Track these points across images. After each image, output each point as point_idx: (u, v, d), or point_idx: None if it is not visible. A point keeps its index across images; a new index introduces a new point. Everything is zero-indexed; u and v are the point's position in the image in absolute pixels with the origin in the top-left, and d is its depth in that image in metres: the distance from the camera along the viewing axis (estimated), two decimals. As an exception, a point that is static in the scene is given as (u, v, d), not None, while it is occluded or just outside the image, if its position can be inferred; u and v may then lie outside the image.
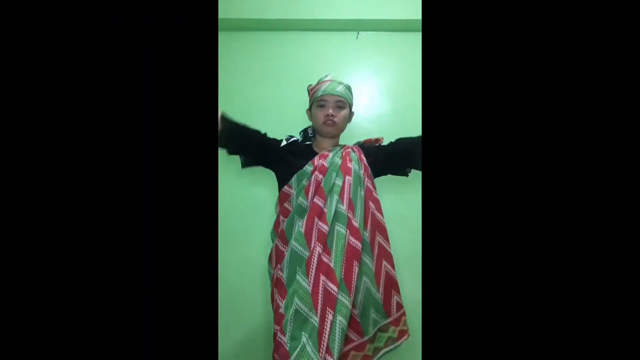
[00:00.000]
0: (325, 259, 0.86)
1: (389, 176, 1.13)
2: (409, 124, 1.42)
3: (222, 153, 0.93)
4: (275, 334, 0.85)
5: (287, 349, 0.79)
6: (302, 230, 0.90)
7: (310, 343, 0.78)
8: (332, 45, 1.51)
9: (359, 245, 0.91)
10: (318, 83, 1.07)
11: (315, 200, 0.93)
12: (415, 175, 1.14)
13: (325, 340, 0.78)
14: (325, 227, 0.89)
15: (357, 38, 1.52)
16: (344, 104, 1.04)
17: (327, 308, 0.81)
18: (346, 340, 0.89)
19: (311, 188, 0.95)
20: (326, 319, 0.80)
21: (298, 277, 0.86)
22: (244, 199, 1.42)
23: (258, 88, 1.47)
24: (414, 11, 1.41)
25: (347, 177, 0.96)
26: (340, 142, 1.13)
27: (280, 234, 0.99)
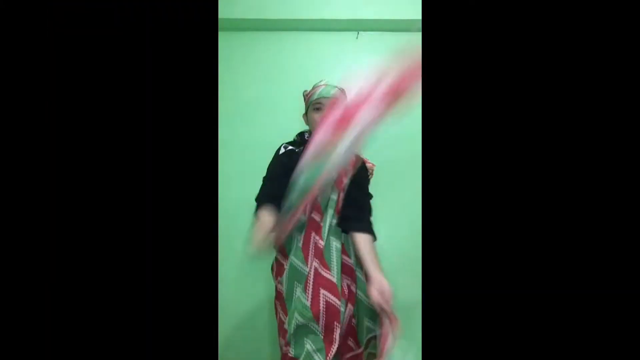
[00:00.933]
0: (324, 274, 0.89)
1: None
2: (409, 124, 1.42)
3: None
4: (281, 347, 0.89)
5: (293, 355, 0.83)
6: (300, 245, 0.93)
7: (318, 354, 0.81)
8: (332, 46, 1.50)
9: (348, 260, 0.95)
10: (313, 88, 1.08)
11: (312, 215, 0.95)
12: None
13: (333, 351, 0.81)
14: (321, 242, 0.91)
15: (357, 38, 1.51)
16: None
17: (335, 322, 0.84)
18: (346, 347, 0.94)
19: (309, 204, 0.96)
20: (334, 333, 0.83)
21: (297, 293, 0.89)
22: (244, 199, 1.42)
23: (258, 88, 1.47)
24: (414, 11, 1.41)
25: (341, 194, 0.98)
26: None
27: (280, 248, 1.01)
